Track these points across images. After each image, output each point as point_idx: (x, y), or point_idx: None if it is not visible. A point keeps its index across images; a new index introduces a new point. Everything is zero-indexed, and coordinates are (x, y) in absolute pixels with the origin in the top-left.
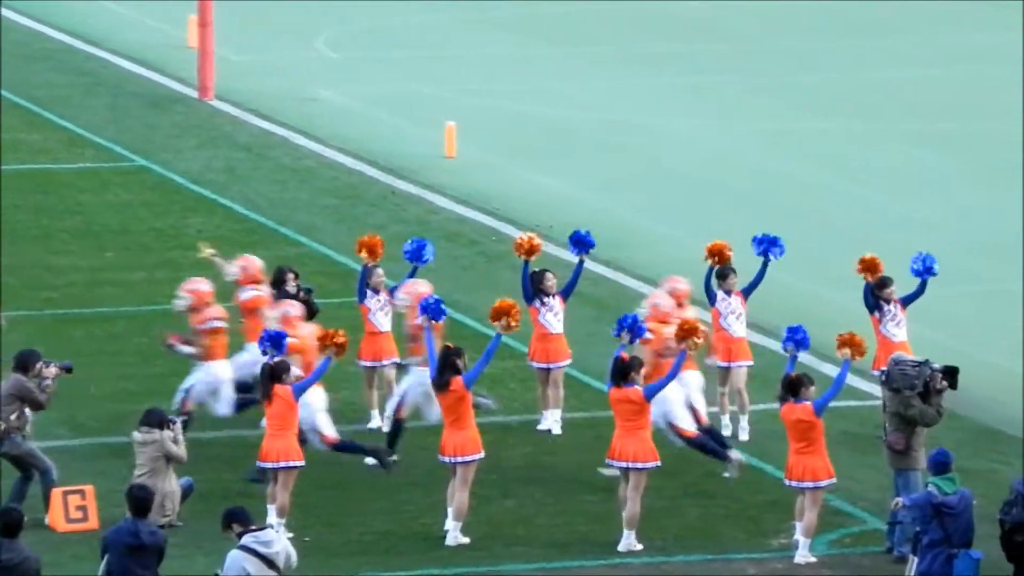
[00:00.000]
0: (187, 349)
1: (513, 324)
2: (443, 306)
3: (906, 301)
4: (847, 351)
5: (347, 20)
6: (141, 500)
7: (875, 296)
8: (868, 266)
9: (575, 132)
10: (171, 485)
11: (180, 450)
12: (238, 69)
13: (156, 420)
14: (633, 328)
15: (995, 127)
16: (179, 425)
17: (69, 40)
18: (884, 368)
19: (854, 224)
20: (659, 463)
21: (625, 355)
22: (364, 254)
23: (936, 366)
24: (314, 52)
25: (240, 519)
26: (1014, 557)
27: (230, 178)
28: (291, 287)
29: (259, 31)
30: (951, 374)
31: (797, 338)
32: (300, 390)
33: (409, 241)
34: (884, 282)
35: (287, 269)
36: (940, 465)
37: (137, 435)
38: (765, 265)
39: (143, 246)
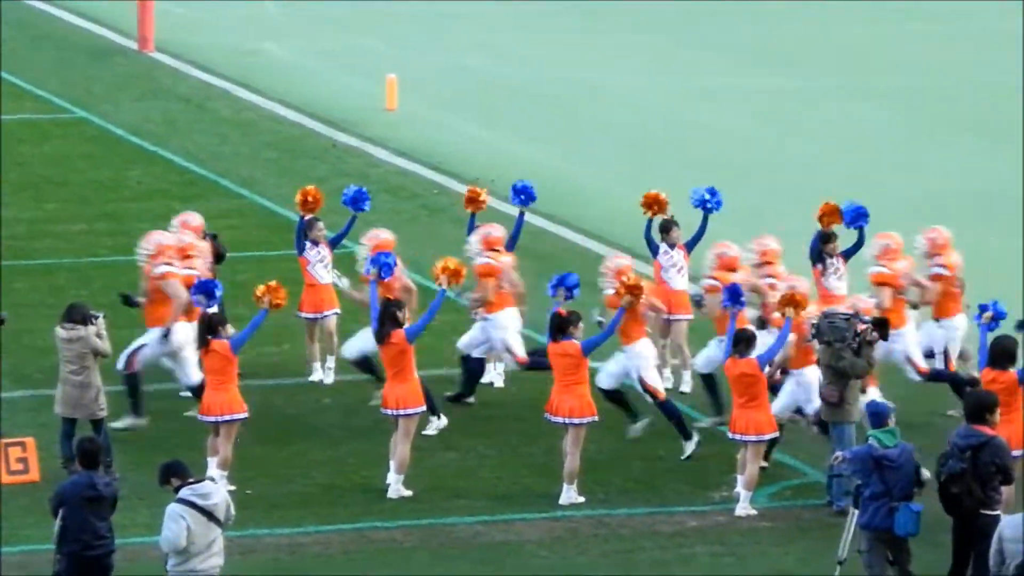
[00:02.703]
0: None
1: (456, 284)
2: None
3: (847, 255)
4: (789, 309)
5: None
6: (91, 452)
7: (820, 249)
8: (828, 212)
9: (516, 86)
10: (99, 379)
11: (105, 344)
12: (178, 21)
13: (80, 316)
14: (569, 286)
15: (933, 82)
16: (102, 320)
17: None
18: (814, 321)
19: (794, 179)
20: (596, 417)
21: (562, 310)
22: (300, 208)
23: (866, 318)
24: (255, 4)
25: (178, 472)
26: (951, 509)
27: (170, 130)
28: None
29: None
30: (881, 325)
31: (738, 298)
32: (237, 344)
33: (346, 189)
34: (829, 236)
35: None
36: (877, 417)
37: (61, 332)
38: (706, 218)
39: (83, 198)
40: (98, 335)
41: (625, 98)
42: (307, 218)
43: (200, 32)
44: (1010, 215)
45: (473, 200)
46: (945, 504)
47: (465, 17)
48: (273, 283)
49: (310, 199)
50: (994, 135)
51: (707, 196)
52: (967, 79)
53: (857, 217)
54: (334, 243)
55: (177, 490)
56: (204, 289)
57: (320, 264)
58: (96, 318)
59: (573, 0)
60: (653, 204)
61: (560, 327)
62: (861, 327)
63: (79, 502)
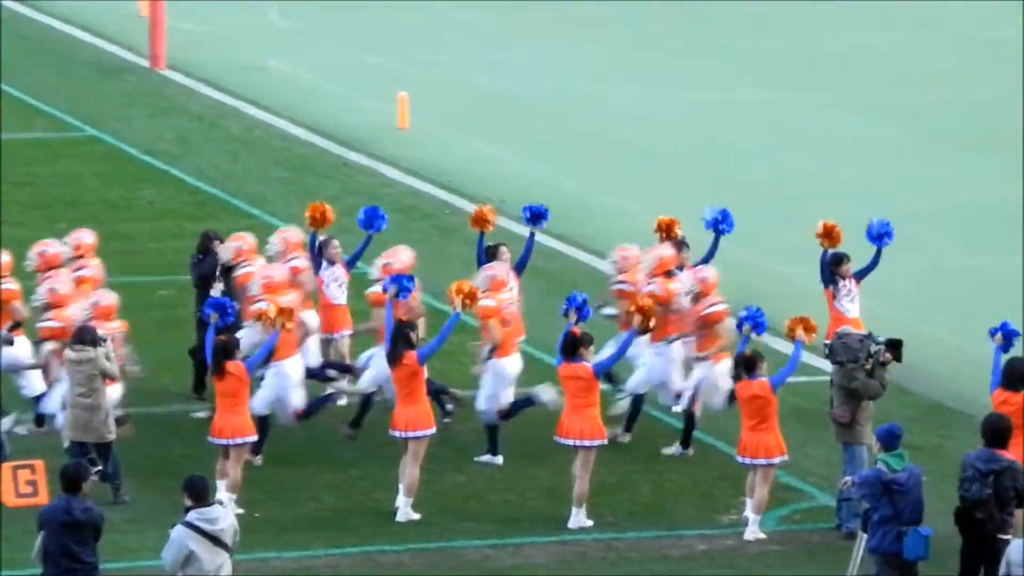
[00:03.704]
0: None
1: (470, 304)
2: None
3: (859, 275)
4: (800, 333)
5: None
6: (72, 477)
7: (831, 272)
8: (827, 233)
9: (527, 103)
10: (108, 401)
11: (113, 367)
12: (190, 38)
13: (89, 338)
14: (580, 308)
15: (931, 95)
16: (110, 342)
17: (21, 8)
18: (828, 342)
19: (798, 194)
20: (606, 440)
21: (576, 330)
22: (309, 224)
23: (880, 339)
24: (266, 22)
25: (192, 492)
26: (972, 534)
27: (181, 148)
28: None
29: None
30: (895, 346)
31: (757, 322)
32: (252, 366)
33: (361, 210)
34: (840, 259)
35: (213, 235)
36: (889, 441)
37: (72, 354)
38: (717, 240)
39: (94, 217)
40: (107, 357)
41: (633, 113)
42: (322, 238)
43: (211, 50)
44: (1011, 230)
45: (480, 220)
46: (966, 528)
47: (476, 33)
48: (285, 304)
49: (319, 215)
50: (996, 149)
51: (719, 218)
52: (968, 92)
53: (881, 235)
54: (351, 264)
55: (187, 511)
56: (217, 307)
57: (335, 284)
58: (104, 340)
59: (576, 10)
60: (665, 230)
61: (572, 348)
62: (874, 348)
63: (56, 526)
